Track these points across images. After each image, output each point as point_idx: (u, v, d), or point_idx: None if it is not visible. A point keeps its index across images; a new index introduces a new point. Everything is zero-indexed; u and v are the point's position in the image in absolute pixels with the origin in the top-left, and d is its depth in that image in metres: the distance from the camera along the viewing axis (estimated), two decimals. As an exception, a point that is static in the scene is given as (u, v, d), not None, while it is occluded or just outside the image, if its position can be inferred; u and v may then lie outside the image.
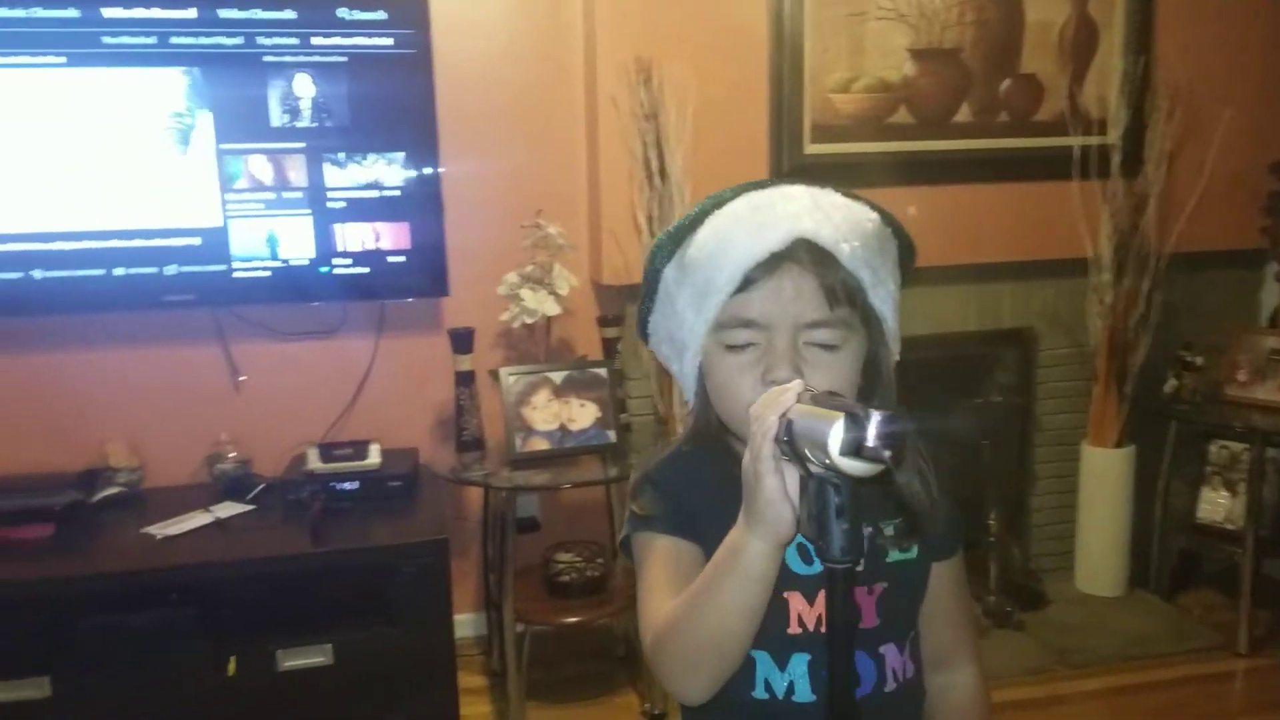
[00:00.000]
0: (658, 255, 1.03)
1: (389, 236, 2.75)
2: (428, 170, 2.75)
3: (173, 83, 2.58)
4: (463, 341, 2.66)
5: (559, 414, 2.62)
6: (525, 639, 2.66)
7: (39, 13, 2.48)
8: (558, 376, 2.66)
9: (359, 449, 2.68)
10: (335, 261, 2.73)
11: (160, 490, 2.72)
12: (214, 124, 2.61)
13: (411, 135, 2.73)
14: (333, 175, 2.69)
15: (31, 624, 2.33)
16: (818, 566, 0.96)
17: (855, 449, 0.67)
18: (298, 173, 2.68)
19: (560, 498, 3.06)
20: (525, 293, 2.71)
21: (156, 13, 2.55)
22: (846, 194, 1.00)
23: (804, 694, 0.98)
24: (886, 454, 0.66)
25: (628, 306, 2.92)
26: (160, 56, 2.57)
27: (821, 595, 0.97)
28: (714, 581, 0.87)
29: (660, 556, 0.98)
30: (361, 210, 2.72)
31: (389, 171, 2.73)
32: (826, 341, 0.93)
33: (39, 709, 2.25)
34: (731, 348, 0.95)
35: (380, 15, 2.66)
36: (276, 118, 2.65)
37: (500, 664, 2.72)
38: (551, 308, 2.70)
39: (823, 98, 2.99)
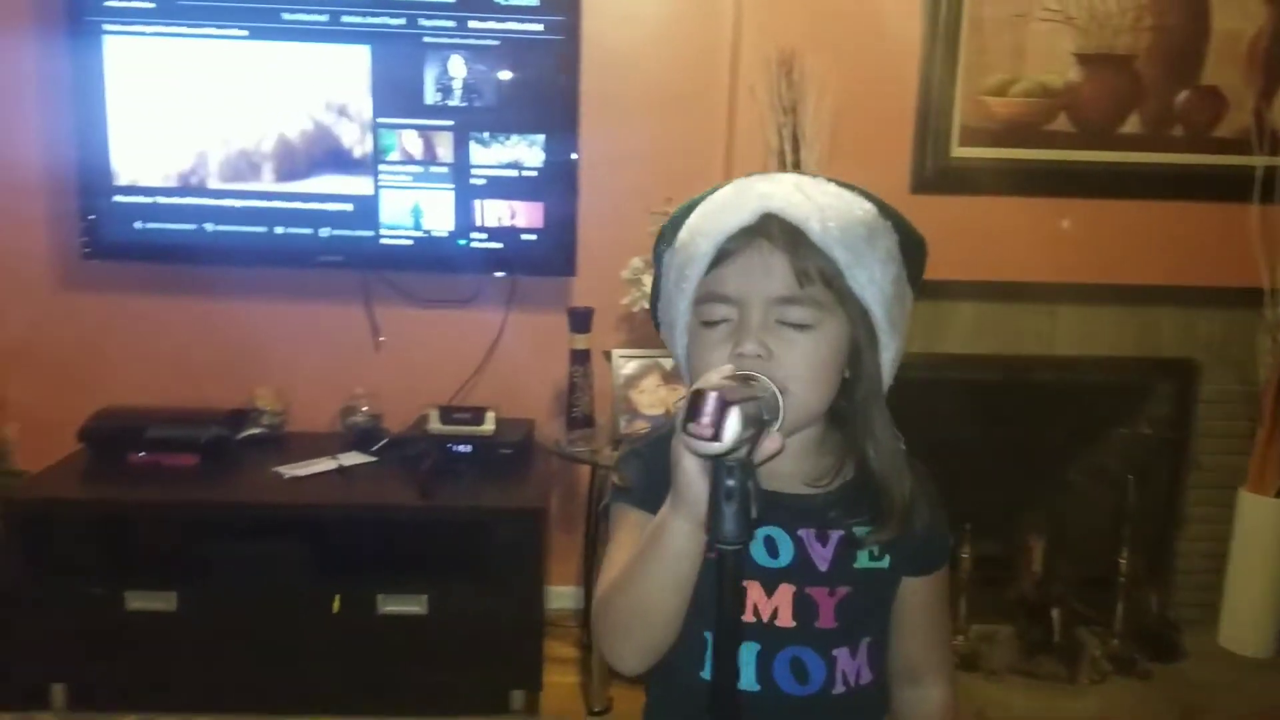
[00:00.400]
0: (660, 240, 1.05)
1: (524, 214, 2.85)
2: (565, 153, 2.83)
3: (340, 58, 2.77)
4: (580, 320, 2.73)
5: (665, 400, 2.66)
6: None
7: (228, -12, 2.73)
8: (669, 363, 2.69)
9: (476, 415, 2.79)
10: (473, 235, 2.86)
11: (297, 435, 2.93)
12: (372, 99, 2.79)
13: (553, 118, 2.82)
14: (477, 153, 2.82)
15: (167, 542, 2.58)
16: (783, 560, 1.00)
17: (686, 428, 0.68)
18: (445, 149, 2.82)
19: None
20: (646, 278, 2.75)
21: (331, -8, 2.75)
22: (843, 185, 0.99)
23: (748, 681, 0.99)
24: (716, 435, 0.66)
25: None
26: (331, 33, 2.76)
27: (780, 589, 0.99)
28: (642, 555, 0.91)
29: (627, 529, 0.99)
30: (500, 188, 2.83)
31: (529, 152, 2.83)
32: (797, 320, 0.93)
33: (165, 619, 2.47)
34: (707, 323, 0.96)
35: (534, 1, 2.77)
36: (430, 96, 2.80)
37: (589, 638, 2.78)
38: (672, 295, 2.73)
39: (975, 100, 2.88)
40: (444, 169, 2.83)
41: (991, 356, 3.04)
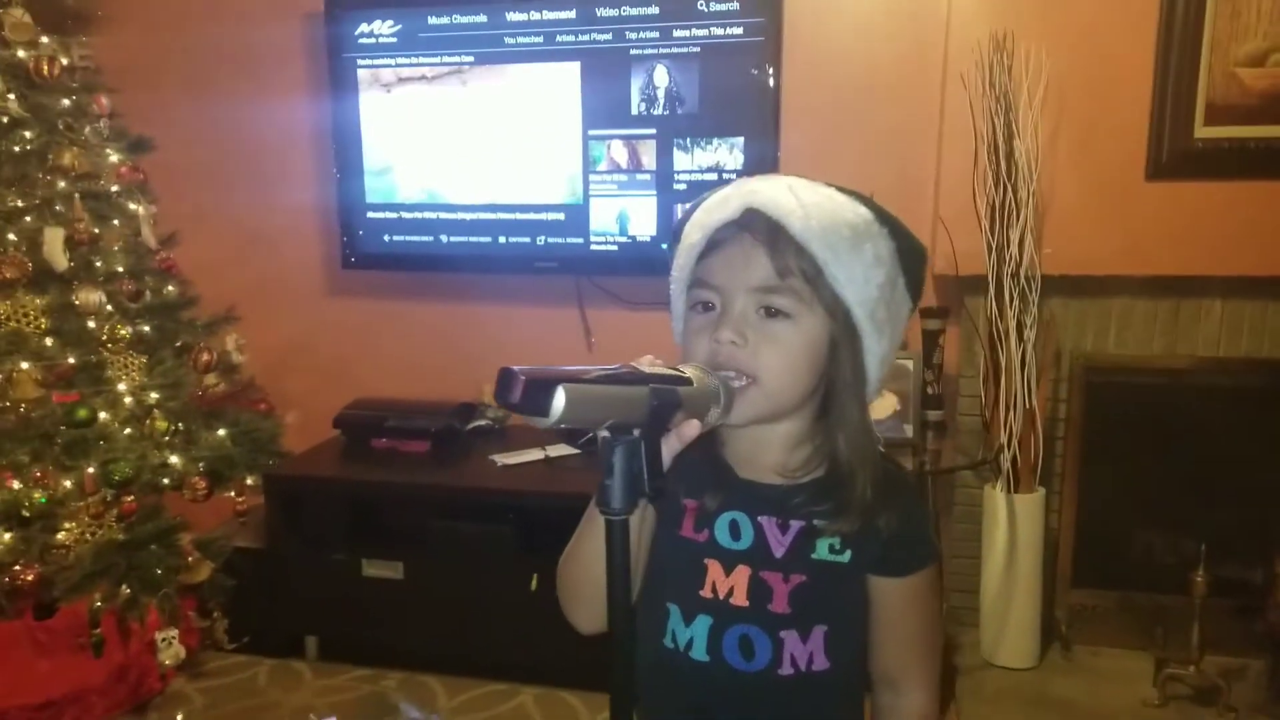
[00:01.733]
0: (671, 240, 1.11)
1: (724, 217, 2.90)
2: (766, 154, 2.85)
3: (554, 76, 2.97)
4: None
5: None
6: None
7: (458, 19, 3.00)
8: (860, 363, 2.63)
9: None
10: (677, 238, 2.95)
11: (517, 428, 3.16)
12: (582, 112, 2.96)
13: (754, 120, 2.86)
14: (679, 159, 2.91)
15: (398, 518, 2.88)
16: (743, 543, 1.05)
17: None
18: (649, 157, 2.94)
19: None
20: (844, 277, 2.71)
21: (546, 15, 2.94)
22: (844, 190, 1.02)
23: (699, 652, 1.05)
24: (542, 410, 0.71)
25: (966, 299, 2.79)
26: (546, 54, 2.96)
27: (738, 570, 1.05)
28: (581, 527, 1.02)
29: None
30: (701, 192, 2.89)
31: (730, 156, 2.88)
32: (776, 307, 0.97)
33: (393, 586, 2.78)
34: (694, 308, 1.02)
35: (734, 6, 2.81)
36: (635, 106, 2.93)
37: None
38: (868, 294, 2.67)
39: (1225, 73, 2.58)
40: (648, 176, 2.94)
41: (1244, 359, 2.70)
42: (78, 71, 2.74)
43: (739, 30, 2.82)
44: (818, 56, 2.90)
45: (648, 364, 0.85)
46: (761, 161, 2.85)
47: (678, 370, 0.88)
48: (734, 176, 2.87)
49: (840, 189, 1.01)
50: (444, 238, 3.13)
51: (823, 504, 1.01)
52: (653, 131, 2.93)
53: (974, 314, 2.78)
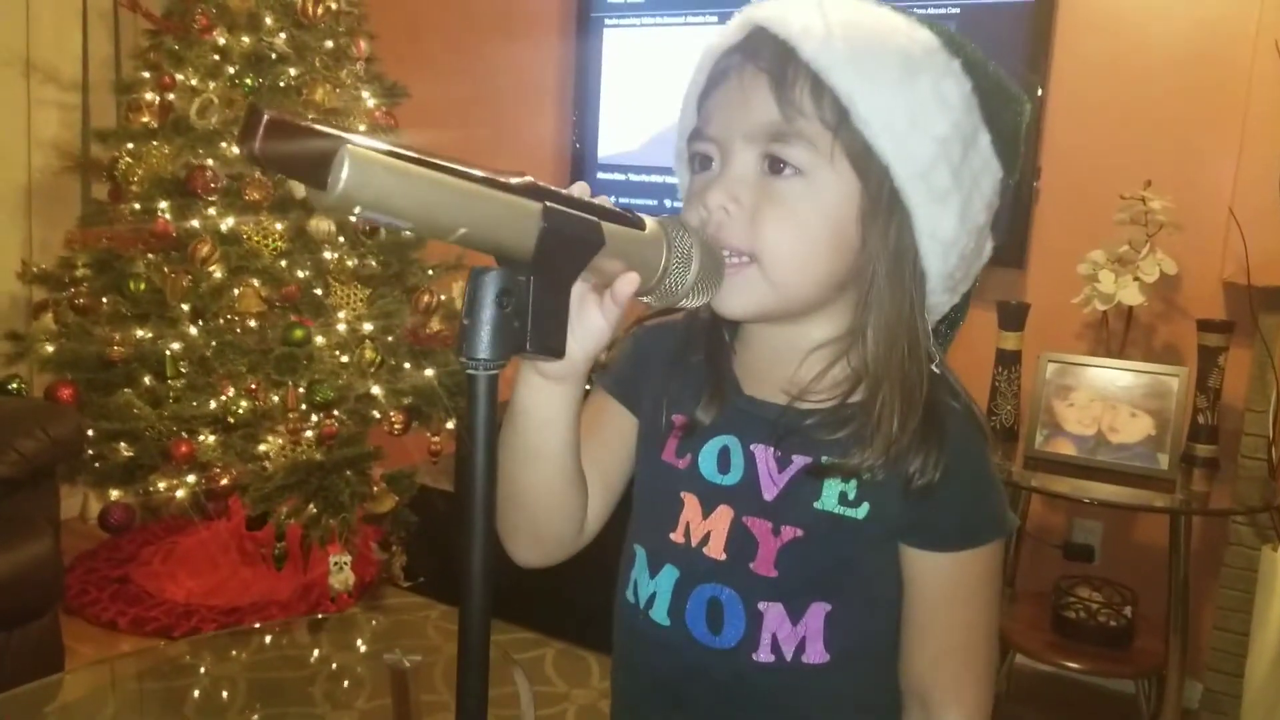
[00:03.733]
0: None
1: (971, 198, 2.57)
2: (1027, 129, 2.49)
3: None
4: (1012, 317, 2.37)
5: (1098, 418, 2.19)
6: (1008, 662, 2.31)
7: (706, -24, 2.88)
8: (1111, 376, 2.21)
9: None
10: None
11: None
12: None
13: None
14: (927, 131, 2.62)
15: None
16: (733, 477, 0.79)
17: None
18: (894, 127, 2.66)
19: (1128, 532, 2.54)
20: (1104, 275, 2.30)
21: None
22: (903, 11, 0.74)
23: (659, 614, 0.81)
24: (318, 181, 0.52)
25: (1261, 316, 2.29)
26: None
27: (718, 511, 0.79)
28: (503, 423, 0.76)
29: (587, 408, 0.84)
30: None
31: (985, 129, 2.54)
32: (782, 158, 0.71)
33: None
34: (692, 164, 0.78)
35: (1006, -38, 2.49)
36: (884, 71, 2.66)
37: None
38: (1132, 296, 2.25)
39: None
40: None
41: None
42: (342, 15, 2.88)
43: (1010, -12, 2.49)
44: (1099, 19, 2.49)
45: (579, 191, 0.65)
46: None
47: (627, 212, 0.66)
48: (987, 153, 2.54)
49: (903, 10, 0.74)
50: (668, 202, 3.01)
51: (836, 438, 0.75)
52: (901, 99, 2.65)
53: (1269, 335, 2.26)
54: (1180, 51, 2.43)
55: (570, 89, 3.15)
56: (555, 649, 2.66)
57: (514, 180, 0.61)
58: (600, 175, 3.09)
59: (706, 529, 0.80)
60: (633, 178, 3.05)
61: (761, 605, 0.78)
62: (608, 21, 3.03)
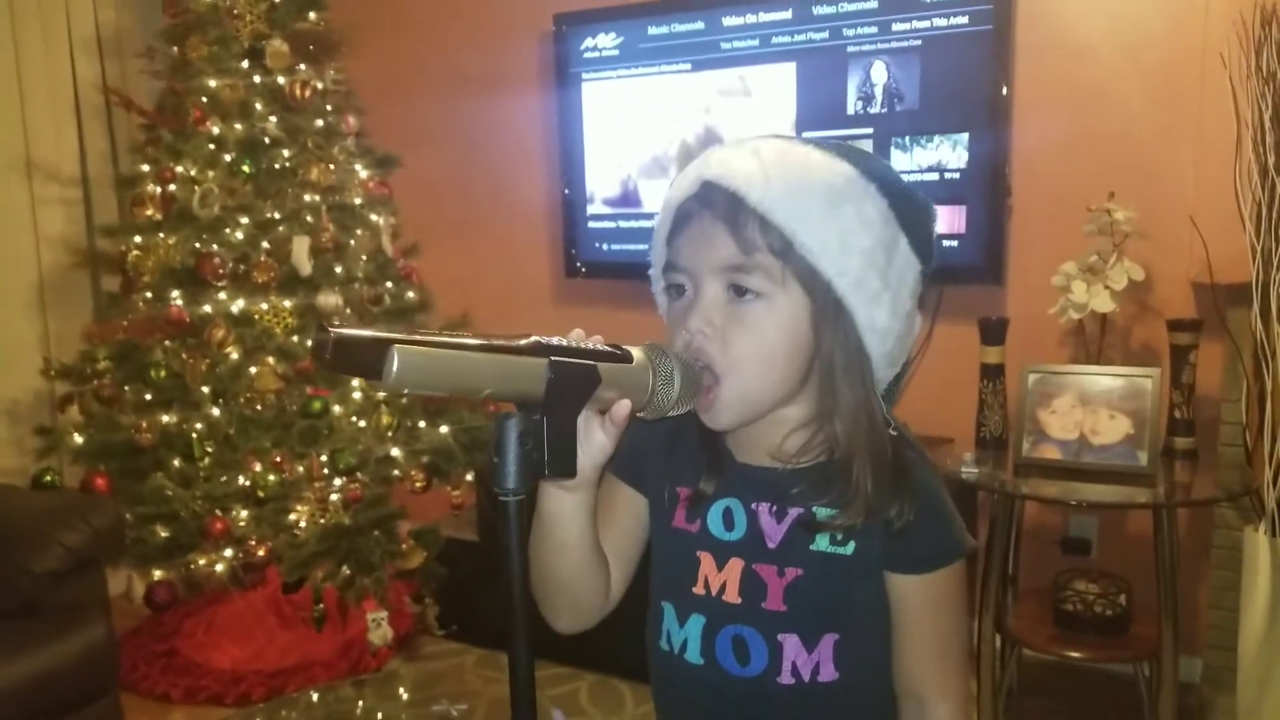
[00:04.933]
0: None
1: (944, 219, 2.70)
2: (994, 151, 2.63)
3: (768, 78, 2.89)
4: (992, 332, 2.50)
5: (1080, 423, 2.32)
6: (1014, 657, 2.44)
7: (676, 27, 3.00)
8: (1089, 381, 2.34)
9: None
10: (894, 243, 2.78)
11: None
12: (797, 114, 2.86)
13: (980, 115, 2.64)
14: (897, 159, 2.74)
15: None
16: (738, 533, 0.96)
17: None
18: (865, 157, 2.79)
19: (1120, 524, 2.68)
20: (1077, 285, 2.43)
21: (763, 17, 2.88)
22: (826, 145, 0.91)
23: (693, 655, 0.97)
24: (378, 374, 0.67)
25: (1229, 312, 2.42)
26: (762, 56, 2.90)
27: (730, 562, 0.95)
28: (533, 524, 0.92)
29: (601, 496, 0.98)
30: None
31: (952, 154, 2.68)
32: (745, 286, 0.88)
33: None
34: (669, 292, 0.94)
35: (960, -6, 2.62)
36: (851, 105, 2.79)
37: (976, 672, 2.53)
38: (1104, 303, 2.38)
39: None
40: (864, 177, 2.79)
41: None
42: (329, 94, 3.01)
43: (964, 19, 2.62)
44: (1055, 42, 2.63)
45: (575, 338, 0.79)
46: (991, 158, 2.63)
47: (615, 347, 0.81)
48: (956, 175, 2.68)
49: (821, 143, 0.90)
50: (660, 245, 3.13)
51: (821, 492, 0.91)
52: (869, 131, 2.78)
53: (1237, 329, 2.40)
54: (1133, 68, 2.57)
55: (556, 142, 3.27)
56: (589, 681, 2.78)
57: (523, 342, 0.75)
58: (591, 224, 3.22)
59: (722, 579, 0.95)
60: (622, 224, 3.17)
61: (780, 637, 0.93)
62: (585, 76, 3.16)
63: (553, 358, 0.75)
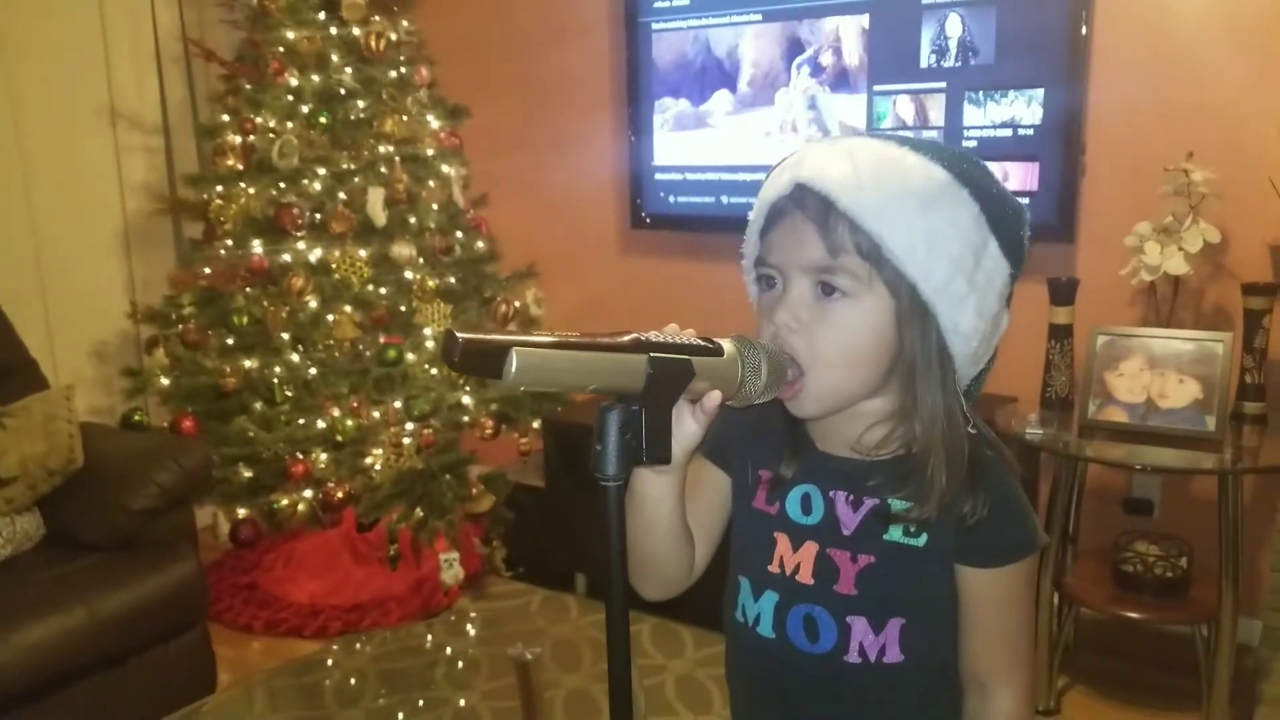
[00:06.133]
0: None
1: (1017, 176, 2.67)
2: (1069, 107, 2.59)
3: (842, 29, 2.87)
4: (1061, 292, 2.49)
5: (1148, 386, 2.32)
6: (1071, 616, 2.48)
7: (748, -24, 2.99)
8: (1158, 345, 2.33)
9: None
10: (963, 200, 2.76)
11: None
12: (868, 67, 2.84)
13: (1057, 70, 2.60)
14: (970, 114, 2.72)
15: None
16: (813, 519, 1.01)
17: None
18: (937, 112, 2.77)
19: (1184, 486, 2.68)
20: (1150, 246, 2.41)
21: (836, -34, 2.85)
22: (924, 146, 0.92)
23: (765, 629, 1.03)
24: (496, 373, 0.72)
25: (1304, 275, 2.39)
26: (836, 7, 2.87)
27: (805, 545, 1.01)
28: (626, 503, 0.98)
29: (690, 474, 1.03)
30: (991, 148, 2.69)
31: (1026, 110, 2.64)
32: (833, 285, 0.91)
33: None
34: (760, 283, 0.98)
35: (1041, -56, 2.57)
36: (925, 59, 2.76)
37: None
38: (1177, 266, 2.36)
39: None
40: (935, 132, 2.77)
41: None
42: (403, 46, 3.05)
43: (1044, -30, 2.57)
44: (1136, -3, 2.57)
45: (670, 333, 0.83)
46: (1066, 115, 2.60)
47: (708, 341, 0.85)
48: (1030, 132, 2.65)
49: (919, 145, 0.92)
50: (724, 198, 3.15)
51: (897, 485, 0.95)
52: (943, 85, 2.75)
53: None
54: (1219, 25, 2.50)
55: (624, 93, 3.29)
56: (650, 624, 2.86)
57: (624, 339, 0.80)
58: (658, 176, 3.24)
59: (797, 560, 1.00)
60: (689, 176, 3.19)
61: (849, 619, 0.98)
62: (655, 26, 3.16)
63: (651, 354, 0.79)
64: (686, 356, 0.82)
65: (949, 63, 2.73)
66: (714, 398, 0.85)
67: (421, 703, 2.28)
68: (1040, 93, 2.62)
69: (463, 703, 2.33)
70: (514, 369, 0.72)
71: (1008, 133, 2.68)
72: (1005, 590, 0.98)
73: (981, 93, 2.70)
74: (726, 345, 0.87)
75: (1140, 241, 2.44)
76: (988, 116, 2.70)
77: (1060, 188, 2.64)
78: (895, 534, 0.96)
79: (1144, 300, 2.60)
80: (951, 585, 0.98)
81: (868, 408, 0.97)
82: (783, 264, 0.93)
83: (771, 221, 0.95)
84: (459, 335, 0.71)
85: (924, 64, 2.77)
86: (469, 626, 2.91)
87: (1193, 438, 2.27)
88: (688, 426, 0.88)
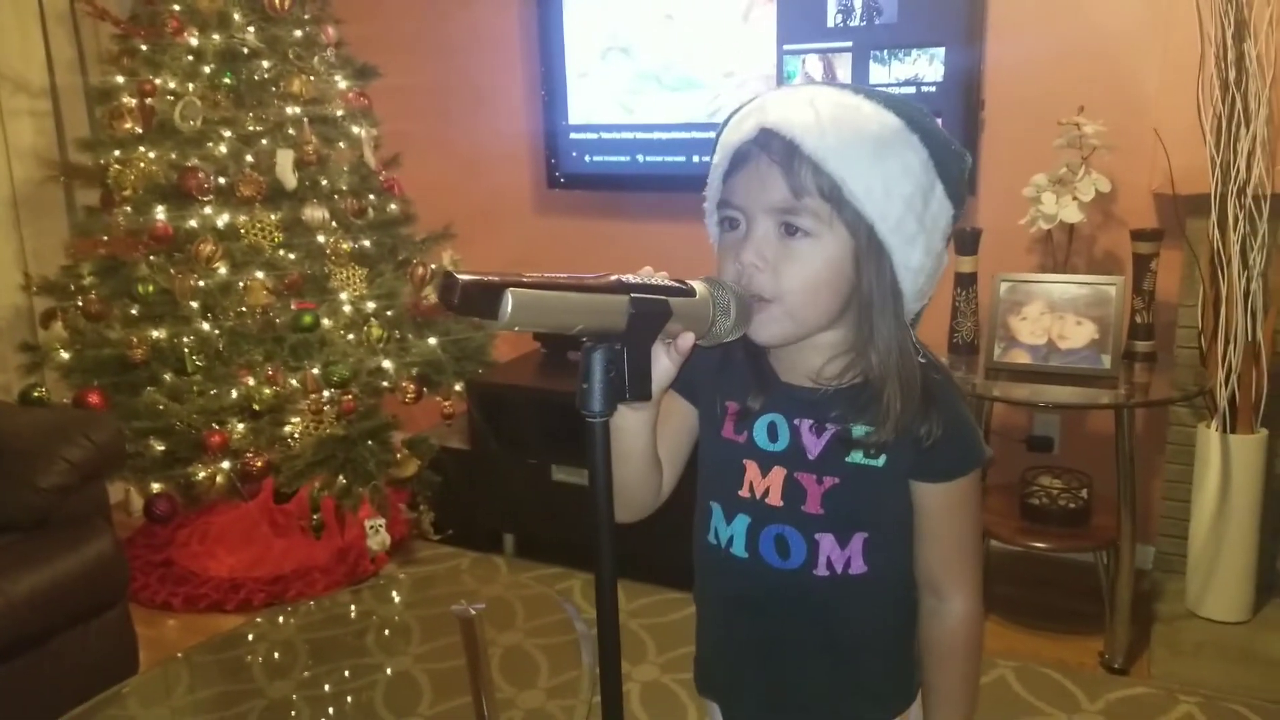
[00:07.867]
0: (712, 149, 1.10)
1: (921, 133, 2.77)
2: (969, 65, 2.70)
3: (750, -9, 2.92)
4: (966, 242, 2.61)
5: (1049, 329, 2.45)
6: (983, 548, 2.62)
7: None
8: (1057, 289, 2.47)
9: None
10: (871, 156, 2.85)
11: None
12: (777, 27, 2.90)
13: (956, 29, 2.70)
14: (876, 73, 2.80)
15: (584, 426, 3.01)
16: (779, 445, 1.08)
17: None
18: (844, 70, 2.85)
19: (1082, 423, 2.84)
20: (1046, 196, 2.54)
21: (743, -72, 2.88)
22: (875, 94, 0.98)
23: (739, 549, 1.09)
24: (493, 313, 0.74)
25: (1187, 221, 2.55)
26: (742, -32, 2.92)
27: (774, 471, 1.07)
28: None
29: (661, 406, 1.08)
30: (898, 106, 2.78)
31: (929, 68, 2.74)
32: (796, 225, 0.96)
33: (580, 491, 2.91)
34: (723, 224, 1.02)
35: (940, -94, 2.65)
36: (831, 18, 2.83)
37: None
38: (1072, 214, 2.50)
39: None
40: (843, 91, 2.85)
41: None
42: (307, 4, 2.97)
43: (944, -68, 2.66)
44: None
45: (645, 275, 0.87)
46: (965, 72, 2.70)
47: (680, 282, 0.89)
48: (933, 89, 2.75)
49: (872, 94, 0.98)
50: (640, 157, 3.18)
51: (858, 412, 1.02)
52: (849, 44, 2.82)
53: (1194, 238, 2.53)
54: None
55: (535, 50, 3.27)
56: (581, 580, 2.90)
57: (608, 280, 0.84)
58: (573, 135, 3.24)
59: (766, 485, 1.07)
60: (605, 136, 3.20)
61: (817, 536, 1.05)
62: (563, -15, 3.15)
63: (633, 295, 0.83)
64: (664, 297, 0.87)
65: (855, 22, 2.81)
66: (688, 338, 0.90)
67: (349, 672, 2.28)
68: (941, 51, 2.72)
69: (393, 669, 2.33)
70: (509, 309, 0.74)
71: (911, 90, 2.77)
72: (956, 500, 1.06)
73: (886, 51, 2.78)
74: (698, 286, 0.91)
75: (1037, 192, 2.57)
76: (892, 74, 2.79)
77: (962, 142, 2.73)
78: (857, 456, 1.03)
79: (1041, 248, 2.75)
80: (908, 500, 1.06)
81: (826, 340, 1.03)
82: (747, 205, 0.98)
83: (736, 165, 0.99)
84: (459, 276, 0.73)
85: (830, 23, 2.84)
86: (396, 592, 2.91)
87: (1091, 376, 2.42)
88: (663, 365, 0.92)
